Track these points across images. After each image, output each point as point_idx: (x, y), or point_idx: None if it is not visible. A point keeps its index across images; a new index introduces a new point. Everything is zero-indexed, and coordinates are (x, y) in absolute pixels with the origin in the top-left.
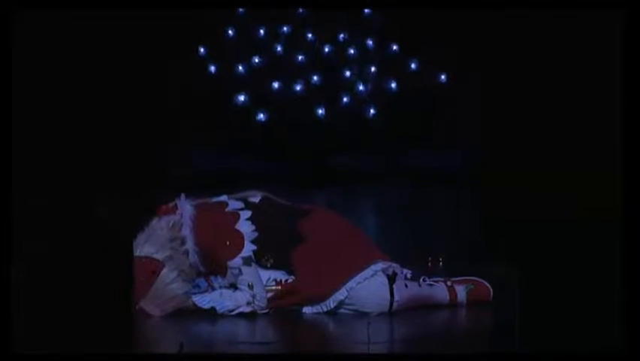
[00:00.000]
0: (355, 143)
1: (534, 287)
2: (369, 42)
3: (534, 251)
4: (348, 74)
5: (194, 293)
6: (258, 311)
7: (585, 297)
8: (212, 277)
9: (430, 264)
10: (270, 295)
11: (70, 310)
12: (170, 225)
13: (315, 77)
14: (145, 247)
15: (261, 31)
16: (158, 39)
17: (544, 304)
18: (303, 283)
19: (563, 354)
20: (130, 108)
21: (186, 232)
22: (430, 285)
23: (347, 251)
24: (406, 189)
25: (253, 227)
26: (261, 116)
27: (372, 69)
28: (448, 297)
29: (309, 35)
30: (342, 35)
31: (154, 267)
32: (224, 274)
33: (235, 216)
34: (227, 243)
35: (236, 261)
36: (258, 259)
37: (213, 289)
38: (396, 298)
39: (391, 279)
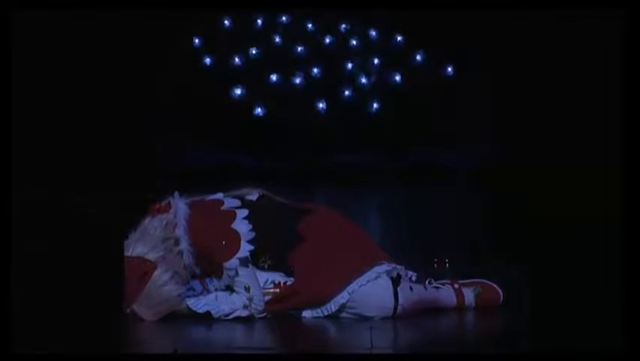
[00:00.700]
0: (357, 138)
1: (534, 287)
2: (373, 33)
3: (534, 251)
4: (350, 66)
5: (189, 296)
6: (256, 315)
7: (585, 297)
8: (207, 279)
9: (436, 265)
10: (267, 298)
11: (71, 310)
12: (164, 224)
13: (315, 70)
14: (136, 247)
15: (259, 21)
16: (153, 34)
17: (544, 304)
18: (302, 285)
19: (563, 354)
20: (127, 105)
21: (180, 231)
22: (436, 288)
23: (349, 252)
24: (411, 187)
25: (250, 226)
26: (259, 110)
27: (376, 61)
28: (455, 300)
29: (309, 25)
30: (343, 25)
31: (146, 268)
32: (219, 276)
33: (231, 215)
34: (223, 243)
35: (233, 262)
36: (256, 260)
37: (208, 291)
38: (400, 301)
39: (395, 281)
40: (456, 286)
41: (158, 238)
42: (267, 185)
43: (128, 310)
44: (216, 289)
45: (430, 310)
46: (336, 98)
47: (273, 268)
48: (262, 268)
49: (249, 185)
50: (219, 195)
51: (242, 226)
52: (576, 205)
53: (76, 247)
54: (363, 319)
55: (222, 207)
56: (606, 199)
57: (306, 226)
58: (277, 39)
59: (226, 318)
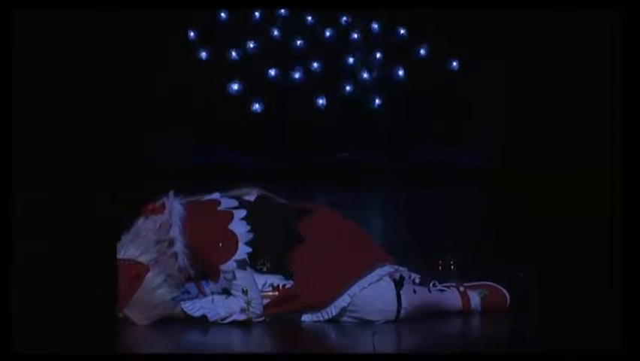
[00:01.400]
0: (359, 135)
1: (534, 288)
2: (375, 26)
3: (533, 251)
4: (351, 60)
5: (184, 300)
6: (253, 319)
7: (585, 297)
8: (203, 282)
9: (440, 267)
10: (266, 301)
11: (71, 310)
12: (158, 225)
13: (315, 64)
14: (128, 249)
15: (256, 14)
16: (150, 30)
17: (544, 304)
18: (302, 288)
19: (563, 354)
20: (127, 106)
21: (175, 232)
22: (441, 290)
23: (350, 253)
24: (414, 186)
25: (248, 228)
26: (257, 106)
27: (378, 55)
28: (460, 304)
29: (309, 18)
30: (344, 18)
31: (137, 271)
32: (216, 279)
33: (228, 215)
34: (220, 245)
35: (230, 264)
36: (254, 262)
37: (204, 295)
38: (403, 304)
39: (398, 284)
40: (461, 289)
41: (151, 240)
42: (265, 184)
43: (121, 315)
44: (213, 293)
45: (435, 314)
46: (337, 94)
47: (271, 271)
48: (260, 271)
49: (247, 185)
50: (216, 195)
51: (239, 227)
52: (576, 205)
53: (76, 247)
54: (365, 323)
55: (219, 208)
56: (608, 199)
57: (305, 227)
58: (275, 32)
59: (223, 322)
